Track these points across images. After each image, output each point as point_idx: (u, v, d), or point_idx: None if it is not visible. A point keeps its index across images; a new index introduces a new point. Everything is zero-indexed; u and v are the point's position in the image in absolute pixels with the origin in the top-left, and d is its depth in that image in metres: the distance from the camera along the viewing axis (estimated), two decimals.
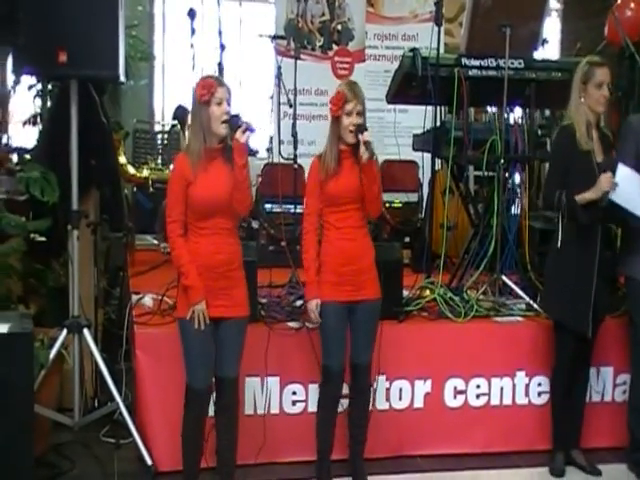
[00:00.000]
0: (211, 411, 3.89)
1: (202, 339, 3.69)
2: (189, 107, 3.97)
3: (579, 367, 4.41)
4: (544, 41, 5.47)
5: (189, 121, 7.49)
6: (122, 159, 6.43)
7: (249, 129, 3.64)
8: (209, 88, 3.64)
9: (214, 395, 3.85)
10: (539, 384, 4.64)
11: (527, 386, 4.66)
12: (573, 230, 4.18)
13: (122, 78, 4.33)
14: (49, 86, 5.45)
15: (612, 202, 4.10)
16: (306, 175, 5.90)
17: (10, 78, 5.82)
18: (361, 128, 3.84)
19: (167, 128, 7.96)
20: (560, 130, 4.31)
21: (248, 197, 3.75)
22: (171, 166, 6.78)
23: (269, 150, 7.03)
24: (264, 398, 4.36)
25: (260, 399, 4.36)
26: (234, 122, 3.64)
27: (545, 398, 4.61)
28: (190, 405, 3.78)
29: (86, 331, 4.40)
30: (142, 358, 4.26)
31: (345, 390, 4.16)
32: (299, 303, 4.65)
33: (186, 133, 7.71)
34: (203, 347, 3.71)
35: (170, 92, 9.48)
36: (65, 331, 4.37)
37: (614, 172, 4.08)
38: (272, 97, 7.28)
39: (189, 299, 3.67)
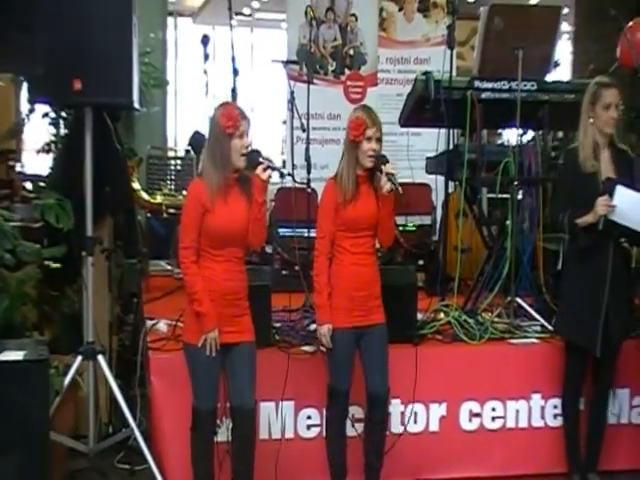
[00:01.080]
0: (224, 437, 3.89)
1: (210, 363, 3.69)
2: (205, 133, 3.94)
3: (596, 390, 4.38)
4: (556, 63, 5.48)
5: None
6: (136, 185, 6.45)
7: (271, 167, 3.63)
8: (235, 121, 3.59)
9: (230, 423, 3.84)
10: (555, 406, 4.60)
11: (543, 408, 4.64)
12: (581, 250, 4.16)
13: (136, 105, 4.36)
14: (63, 114, 5.48)
15: (614, 222, 4.07)
16: (319, 199, 5.96)
17: (25, 106, 5.86)
18: (384, 160, 3.83)
19: (180, 154, 7.99)
20: (565, 153, 4.34)
21: (264, 232, 3.80)
22: (184, 192, 6.80)
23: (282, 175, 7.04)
24: (279, 423, 4.35)
25: (275, 424, 4.35)
26: (253, 158, 3.63)
27: (561, 420, 4.56)
28: (196, 426, 3.79)
29: (101, 357, 4.41)
30: (157, 384, 4.27)
31: (359, 414, 4.13)
32: (313, 327, 4.63)
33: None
34: (211, 370, 3.72)
35: (183, 118, 9.53)
36: (80, 358, 4.37)
37: (612, 194, 4.06)
38: (285, 122, 7.31)
39: (202, 326, 3.67)
